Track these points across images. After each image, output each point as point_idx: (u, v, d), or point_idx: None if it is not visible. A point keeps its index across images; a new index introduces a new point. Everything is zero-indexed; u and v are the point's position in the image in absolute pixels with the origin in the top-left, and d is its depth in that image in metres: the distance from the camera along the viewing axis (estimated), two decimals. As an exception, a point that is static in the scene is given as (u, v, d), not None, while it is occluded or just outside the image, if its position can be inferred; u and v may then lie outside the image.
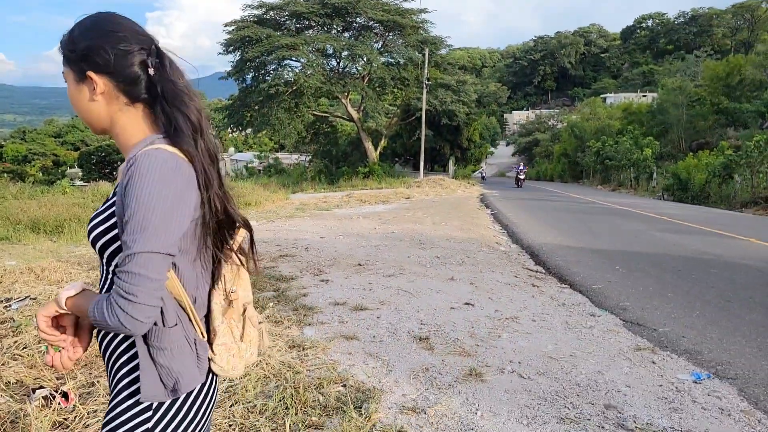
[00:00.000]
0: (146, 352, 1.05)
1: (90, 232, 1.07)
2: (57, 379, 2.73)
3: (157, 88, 1.09)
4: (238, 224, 1.19)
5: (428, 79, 26.53)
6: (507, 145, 77.41)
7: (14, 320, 3.73)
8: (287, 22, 27.59)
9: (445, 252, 7.39)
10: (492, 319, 4.34)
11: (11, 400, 2.50)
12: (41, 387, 2.57)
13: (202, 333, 1.13)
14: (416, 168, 30.83)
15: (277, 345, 3.47)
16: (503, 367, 3.32)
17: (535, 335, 3.99)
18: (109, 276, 1.09)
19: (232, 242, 1.19)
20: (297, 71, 26.67)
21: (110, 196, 1.09)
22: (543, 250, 8.03)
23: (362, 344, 3.67)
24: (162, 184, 0.99)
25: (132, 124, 1.11)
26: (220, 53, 27.10)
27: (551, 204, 17.12)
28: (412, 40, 27.62)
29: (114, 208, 1.05)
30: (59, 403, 2.42)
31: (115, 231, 1.05)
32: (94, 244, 1.08)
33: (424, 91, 26.43)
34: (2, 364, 2.87)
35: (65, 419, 2.39)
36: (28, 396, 2.52)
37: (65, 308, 1.07)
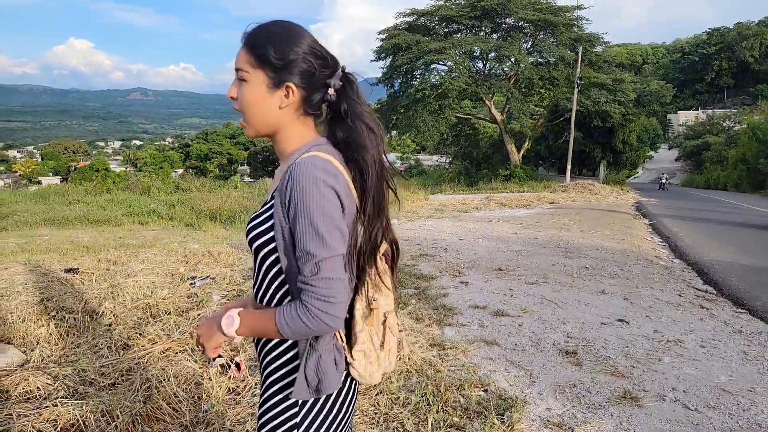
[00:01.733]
0: (306, 353, 1.12)
1: (248, 232, 1.14)
2: (231, 350, 3.11)
3: (338, 108, 1.15)
4: (387, 236, 1.20)
5: (580, 79, 24.86)
6: (669, 149, 69.06)
7: (197, 296, 4.34)
8: (436, 27, 27.99)
9: (595, 262, 6.86)
10: (650, 340, 3.92)
11: (196, 365, 2.91)
12: (219, 356, 2.95)
13: (341, 338, 1.16)
14: (562, 172, 29.12)
15: (418, 341, 3.54)
16: (664, 394, 2.98)
17: (704, 363, 3.51)
18: (263, 275, 1.16)
19: (378, 251, 1.20)
20: (443, 74, 26.93)
21: (268, 199, 1.15)
22: (714, 267, 7.03)
23: (503, 351, 3.58)
24: (324, 190, 1.05)
25: (296, 133, 1.17)
26: (372, 60, 28.42)
27: (725, 216, 14.90)
28: (564, 38, 26.12)
29: (272, 211, 1.11)
30: (233, 373, 2.76)
31: (272, 233, 1.11)
32: (251, 243, 1.14)
33: (576, 90, 24.84)
34: (190, 333, 3.36)
35: (237, 386, 2.72)
36: (209, 363, 2.91)
37: (238, 338, 1.15)
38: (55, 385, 2.60)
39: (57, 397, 2.47)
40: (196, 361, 2.94)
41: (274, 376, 1.17)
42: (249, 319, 1.12)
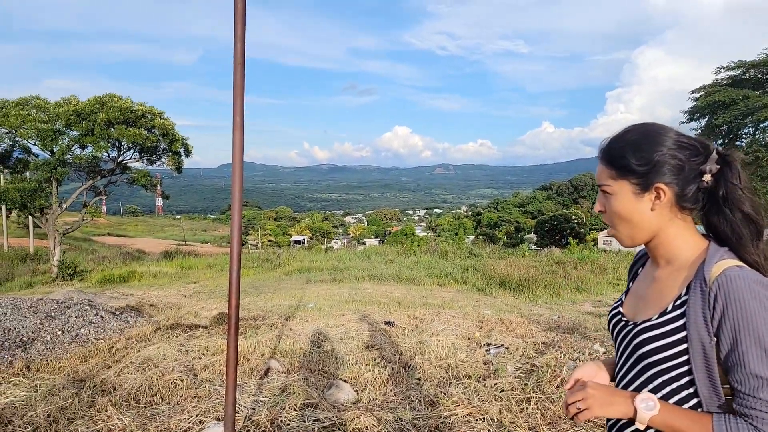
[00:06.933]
0: None
1: (644, 343, 1.09)
2: (529, 429, 3.03)
3: (716, 194, 1.07)
4: None
5: None
6: None
7: (492, 363, 4.43)
8: (771, 78, 23.22)
9: None
10: None
11: (495, 435, 2.93)
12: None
13: None
14: None
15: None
16: None
17: None
18: (649, 386, 1.08)
19: None
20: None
21: (667, 309, 1.08)
22: None
23: None
24: (765, 308, 0.97)
25: (681, 234, 1.11)
26: (682, 122, 25.30)
27: None
28: None
29: (678, 324, 1.04)
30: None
31: (679, 348, 1.04)
32: (638, 346, 1.10)
33: None
34: (487, 401, 3.43)
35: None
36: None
37: (642, 425, 1.05)
38: (379, 428, 3.01)
39: (380, 439, 2.84)
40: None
41: None
42: (671, 413, 1.03)
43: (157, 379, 3.88)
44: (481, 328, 6.02)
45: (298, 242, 70.60)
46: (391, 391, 3.68)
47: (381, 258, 18.90)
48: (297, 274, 14.96)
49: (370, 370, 4.01)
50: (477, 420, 3.12)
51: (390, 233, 77.26)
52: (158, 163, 20.25)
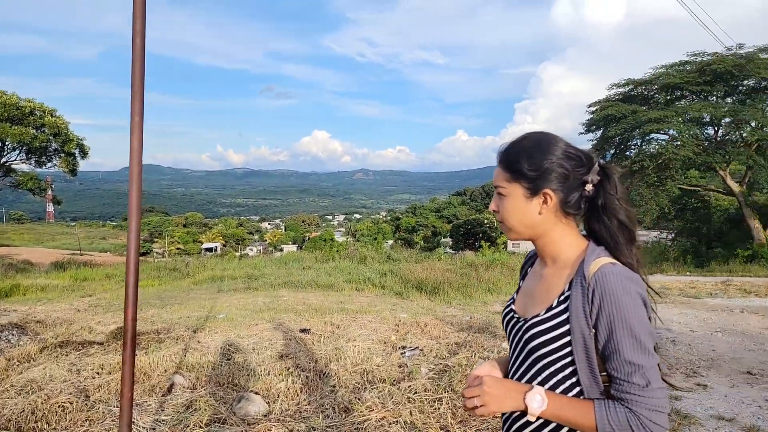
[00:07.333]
0: None
1: (532, 338, 1.15)
2: (440, 429, 3.08)
3: (596, 202, 1.16)
4: None
5: None
6: None
7: (407, 366, 4.48)
8: (656, 95, 25.85)
9: None
10: None
11: (408, 438, 2.95)
12: (431, 434, 2.95)
13: None
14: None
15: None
16: None
17: None
18: (538, 379, 1.14)
19: None
20: (663, 143, 24.36)
21: (553, 304, 1.14)
22: None
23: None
24: (638, 300, 1.06)
25: (563, 237, 1.19)
26: (581, 133, 27.40)
27: None
28: (831, 94, 21.34)
29: (562, 318, 1.11)
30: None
31: (563, 340, 1.11)
32: (528, 341, 1.16)
33: None
34: (401, 404, 3.45)
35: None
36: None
37: (536, 415, 1.09)
38: (291, 438, 2.92)
39: (292, 450, 2.75)
40: (408, 436, 2.98)
41: None
42: (558, 404, 1.08)
43: (42, 402, 3.49)
44: (398, 331, 6.08)
45: (209, 250, 67.50)
46: (304, 400, 3.59)
47: (298, 264, 18.52)
48: (208, 284, 14.26)
49: (283, 380, 3.89)
50: (390, 423, 3.13)
51: (309, 239, 76.25)
52: (49, 165, 18.44)
